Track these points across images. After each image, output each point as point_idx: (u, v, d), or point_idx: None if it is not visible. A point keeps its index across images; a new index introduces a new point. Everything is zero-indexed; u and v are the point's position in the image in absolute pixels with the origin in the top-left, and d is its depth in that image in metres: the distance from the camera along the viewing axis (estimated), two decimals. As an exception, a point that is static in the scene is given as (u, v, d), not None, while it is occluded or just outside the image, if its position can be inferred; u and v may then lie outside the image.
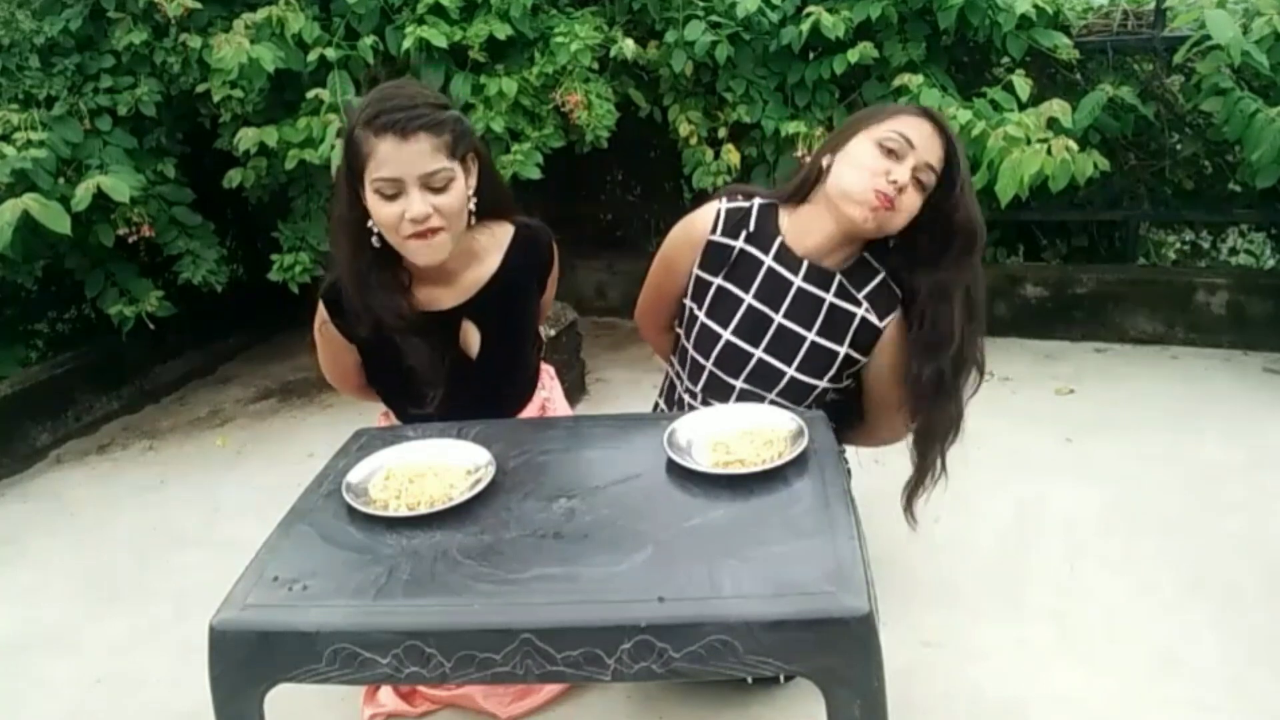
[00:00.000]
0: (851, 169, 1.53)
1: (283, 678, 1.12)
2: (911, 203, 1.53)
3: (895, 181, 1.49)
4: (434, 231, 1.47)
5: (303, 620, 1.11)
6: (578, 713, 1.69)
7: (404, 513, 1.28)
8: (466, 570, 1.17)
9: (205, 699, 1.13)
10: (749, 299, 1.64)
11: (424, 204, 1.44)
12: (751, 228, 1.65)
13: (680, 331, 1.77)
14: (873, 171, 1.51)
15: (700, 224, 1.68)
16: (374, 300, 1.54)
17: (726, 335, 1.65)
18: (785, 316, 1.63)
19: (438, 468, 1.37)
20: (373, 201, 1.46)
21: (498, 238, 1.66)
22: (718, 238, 1.66)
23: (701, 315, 1.68)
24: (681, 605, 1.08)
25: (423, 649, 1.08)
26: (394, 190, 1.44)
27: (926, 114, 1.53)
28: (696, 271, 1.69)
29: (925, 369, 1.55)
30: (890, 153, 1.50)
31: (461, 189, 1.49)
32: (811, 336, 1.62)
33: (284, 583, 1.18)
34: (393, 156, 1.41)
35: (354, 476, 1.37)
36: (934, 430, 1.60)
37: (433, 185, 1.44)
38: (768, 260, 1.63)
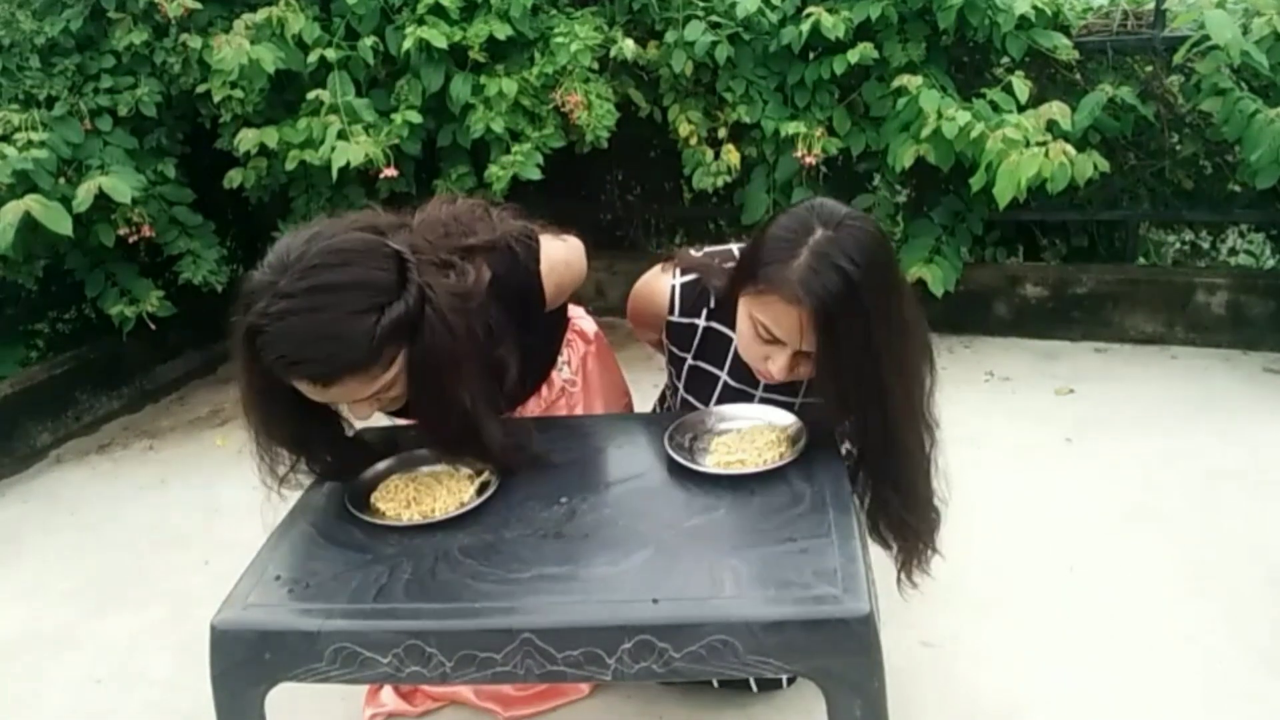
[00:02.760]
0: (739, 335, 1.38)
1: (284, 677, 1.12)
2: (805, 368, 1.35)
3: (777, 369, 1.34)
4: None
5: (304, 620, 1.11)
6: (578, 713, 1.69)
7: (418, 520, 1.28)
8: (467, 570, 1.17)
9: (205, 699, 1.13)
10: (724, 377, 1.55)
11: (366, 410, 1.27)
12: (713, 304, 1.52)
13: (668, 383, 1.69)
14: (752, 355, 1.37)
15: (657, 301, 1.55)
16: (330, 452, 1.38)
17: (710, 409, 1.55)
18: (766, 390, 1.53)
19: (441, 474, 1.37)
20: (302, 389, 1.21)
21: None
22: (678, 319, 1.54)
23: (682, 390, 1.60)
24: (682, 605, 1.08)
25: (423, 648, 1.08)
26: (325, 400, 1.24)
27: (802, 299, 1.23)
28: (667, 344, 1.59)
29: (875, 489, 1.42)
30: (766, 340, 1.33)
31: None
32: (800, 399, 1.54)
33: (285, 582, 1.19)
34: (315, 392, 1.19)
35: (358, 488, 1.36)
36: (899, 524, 1.43)
37: (373, 397, 1.25)
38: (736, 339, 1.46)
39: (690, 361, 1.57)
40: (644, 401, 1.99)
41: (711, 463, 1.36)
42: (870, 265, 1.23)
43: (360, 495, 1.35)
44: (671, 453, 1.36)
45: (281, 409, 1.26)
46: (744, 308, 1.34)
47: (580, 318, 1.79)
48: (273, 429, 1.29)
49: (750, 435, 1.40)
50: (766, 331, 1.30)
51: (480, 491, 1.33)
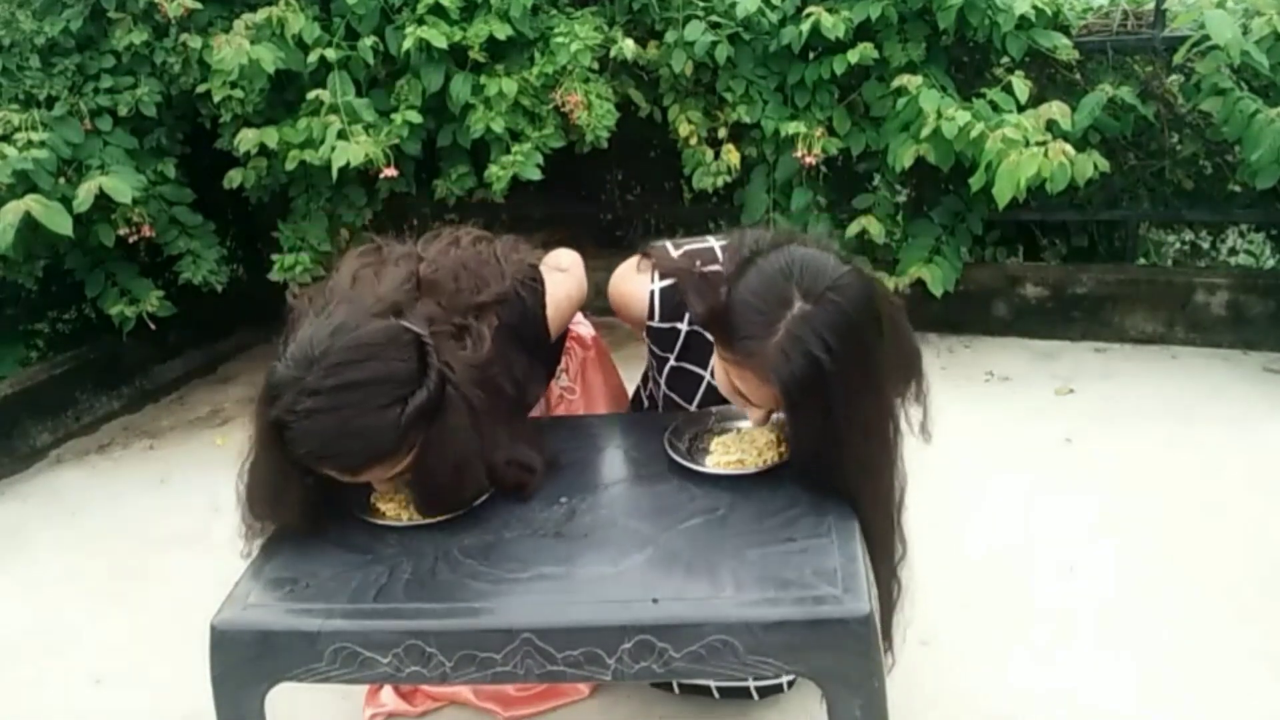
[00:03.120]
0: (717, 375, 1.36)
1: (283, 677, 1.12)
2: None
3: (756, 419, 1.35)
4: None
5: (304, 620, 1.11)
6: (578, 713, 1.69)
7: (418, 521, 1.28)
8: (467, 570, 1.17)
9: (205, 699, 1.13)
10: (708, 378, 1.52)
11: (389, 486, 1.32)
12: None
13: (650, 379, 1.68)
14: (730, 398, 1.35)
15: (635, 305, 1.52)
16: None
17: (693, 408, 1.56)
18: None
19: None
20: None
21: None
22: (658, 324, 1.51)
23: (664, 387, 1.59)
24: (682, 605, 1.08)
25: (423, 648, 1.08)
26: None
27: (773, 380, 1.20)
28: (648, 344, 1.57)
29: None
30: (742, 396, 1.31)
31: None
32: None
33: (285, 582, 1.19)
34: (342, 477, 1.23)
35: (359, 489, 1.36)
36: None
37: (396, 476, 1.28)
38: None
39: (674, 363, 1.55)
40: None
41: (711, 463, 1.36)
42: (845, 346, 1.18)
43: (361, 496, 1.35)
44: (671, 453, 1.37)
45: (295, 492, 1.26)
46: (720, 364, 1.31)
47: (578, 323, 1.79)
48: (280, 510, 1.30)
49: (750, 435, 1.40)
50: (738, 394, 1.30)
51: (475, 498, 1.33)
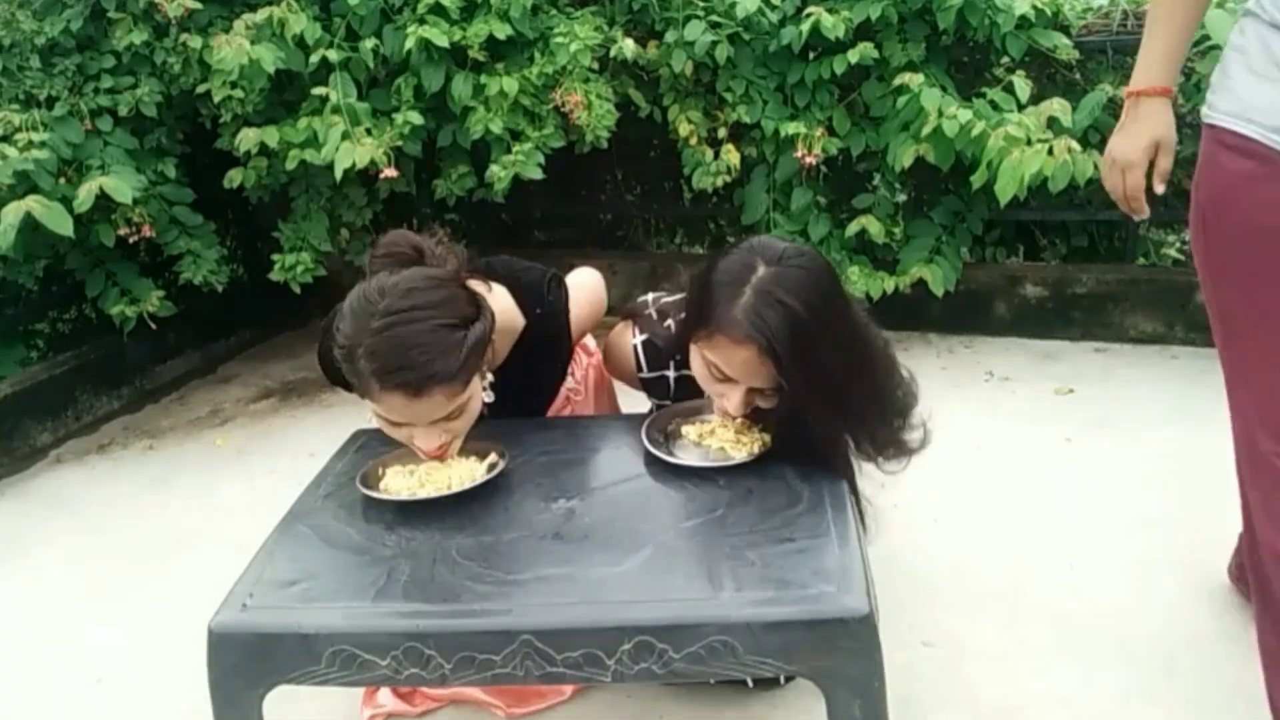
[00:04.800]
0: (696, 375, 1.42)
1: (282, 679, 1.12)
2: (764, 401, 1.38)
3: (732, 406, 1.37)
4: (444, 447, 1.36)
5: (302, 622, 1.11)
6: (578, 713, 1.69)
7: (431, 494, 1.30)
8: (466, 571, 1.17)
9: (205, 699, 1.13)
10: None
11: (436, 436, 1.32)
12: (678, 356, 1.55)
13: None
14: (711, 392, 1.40)
15: (625, 364, 1.63)
16: None
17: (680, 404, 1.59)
18: None
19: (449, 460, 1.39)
20: (376, 417, 1.32)
21: (505, 337, 1.52)
22: (648, 374, 1.61)
23: None
24: (682, 606, 1.08)
25: (422, 650, 1.08)
26: (403, 423, 1.31)
27: (751, 336, 1.26)
28: (648, 396, 1.66)
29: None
30: (720, 379, 1.36)
31: (476, 405, 1.35)
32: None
33: (283, 584, 1.19)
34: (402, 408, 1.26)
35: (366, 475, 1.37)
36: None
37: (446, 419, 1.31)
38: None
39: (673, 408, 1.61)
40: (645, 401, 1.99)
41: (695, 451, 1.40)
42: (812, 297, 1.27)
43: (370, 481, 1.35)
44: (650, 446, 1.40)
45: None
46: (696, 351, 1.37)
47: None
48: None
49: (731, 426, 1.43)
50: (719, 371, 1.34)
51: (489, 471, 1.36)
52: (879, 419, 1.41)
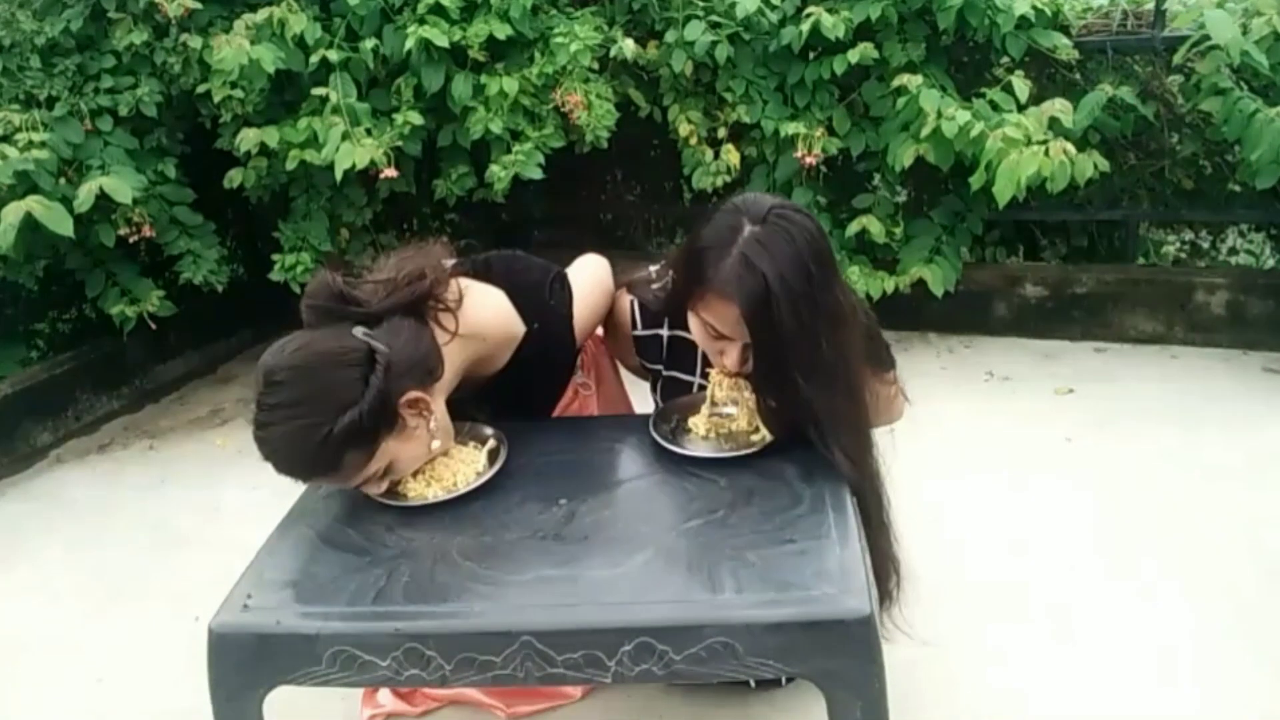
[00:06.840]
0: (694, 334, 1.43)
1: (282, 680, 1.12)
2: None
3: (731, 362, 1.39)
4: (393, 484, 1.34)
5: (302, 623, 1.11)
6: (579, 713, 1.69)
7: (442, 496, 1.31)
8: (466, 572, 1.17)
9: (205, 699, 1.13)
10: (698, 381, 1.58)
11: (376, 485, 1.31)
12: (671, 316, 1.56)
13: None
14: (708, 350, 1.43)
15: (621, 319, 1.62)
16: None
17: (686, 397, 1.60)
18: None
19: (450, 448, 1.39)
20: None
21: (503, 345, 1.49)
22: (641, 332, 1.61)
23: (658, 401, 1.65)
24: (682, 607, 1.08)
25: (422, 651, 1.08)
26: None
27: (733, 296, 1.28)
28: (640, 360, 1.65)
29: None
30: (716, 337, 1.37)
31: (412, 449, 1.30)
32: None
33: (283, 584, 1.19)
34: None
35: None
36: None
37: (378, 475, 1.29)
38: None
39: (665, 373, 1.62)
40: (645, 401, 1.99)
41: (701, 433, 1.42)
42: (796, 258, 1.27)
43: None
44: (657, 437, 1.40)
45: None
46: (692, 310, 1.39)
47: None
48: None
49: (732, 419, 1.44)
50: (713, 329, 1.36)
51: (492, 459, 1.37)
52: (851, 389, 1.38)
